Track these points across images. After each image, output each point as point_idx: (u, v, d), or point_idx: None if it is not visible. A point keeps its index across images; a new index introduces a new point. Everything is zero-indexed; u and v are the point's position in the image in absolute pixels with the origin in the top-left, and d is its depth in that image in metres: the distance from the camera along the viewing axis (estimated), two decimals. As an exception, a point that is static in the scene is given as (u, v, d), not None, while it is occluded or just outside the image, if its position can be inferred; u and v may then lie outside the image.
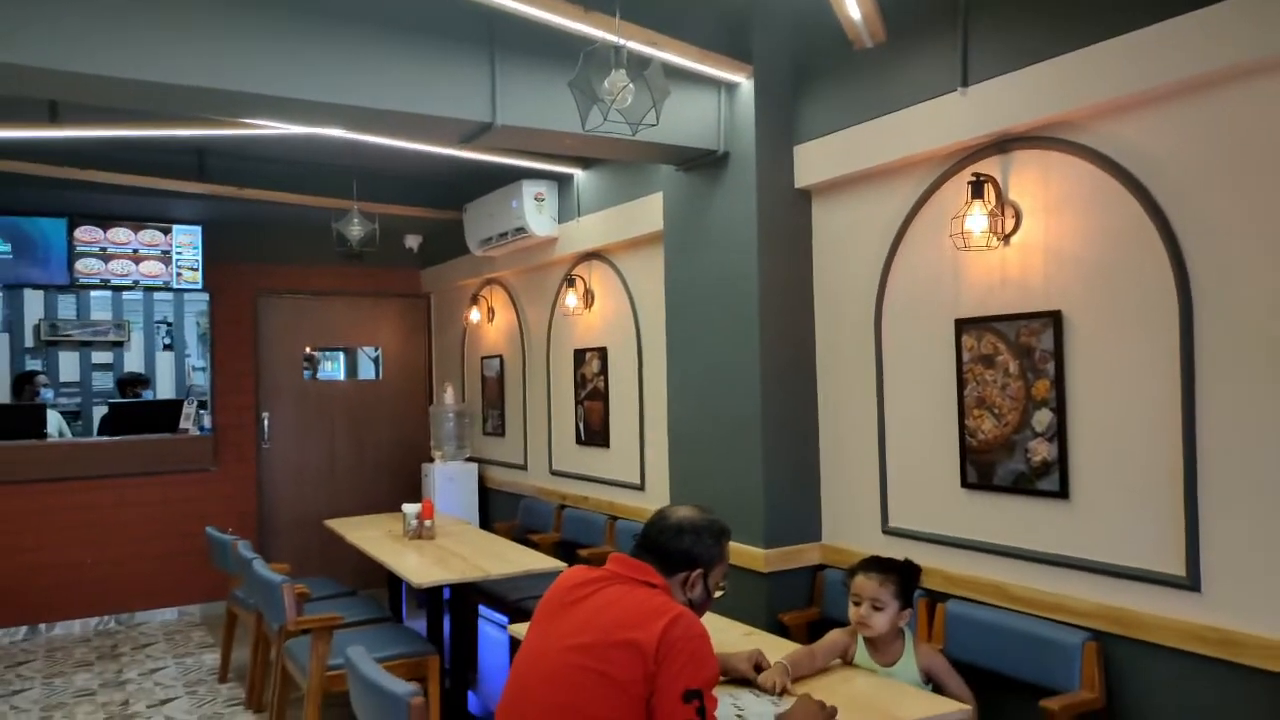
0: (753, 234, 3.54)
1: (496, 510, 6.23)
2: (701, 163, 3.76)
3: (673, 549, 2.08)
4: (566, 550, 4.88)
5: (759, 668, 2.38)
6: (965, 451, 3.04)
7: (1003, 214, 2.88)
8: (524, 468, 5.92)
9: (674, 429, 4.04)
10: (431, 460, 6.41)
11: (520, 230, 5.28)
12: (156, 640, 5.66)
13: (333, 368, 7.30)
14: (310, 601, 4.17)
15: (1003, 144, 2.90)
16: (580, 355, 5.25)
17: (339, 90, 3.02)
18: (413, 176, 5.92)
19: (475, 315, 6.39)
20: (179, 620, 6.14)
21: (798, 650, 2.56)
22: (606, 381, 5.03)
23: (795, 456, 3.60)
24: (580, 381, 5.26)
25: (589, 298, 5.14)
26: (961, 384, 3.04)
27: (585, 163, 5.00)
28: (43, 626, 5.81)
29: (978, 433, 2.99)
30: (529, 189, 5.22)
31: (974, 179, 2.88)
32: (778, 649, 2.57)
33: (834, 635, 2.64)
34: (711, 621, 2.01)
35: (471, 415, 6.60)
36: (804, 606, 3.52)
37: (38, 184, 4.98)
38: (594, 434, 5.15)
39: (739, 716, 2.12)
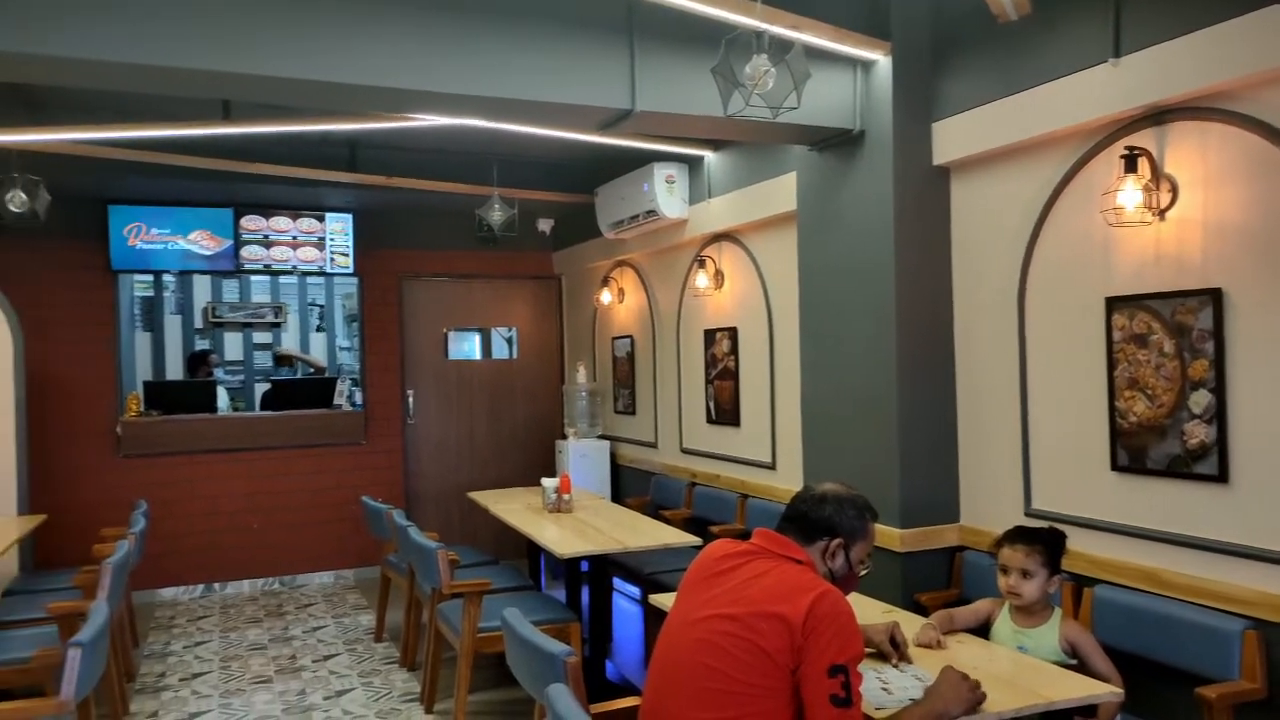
0: (889, 212, 3.52)
1: (628, 486, 6.39)
2: (836, 142, 3.75)
3: (814, 516, 2.14)
4: (698, 527, 4.98)
5: (894, 640, 2.42)
6: (1115, 433, 2.96)
7: (1158, 188, 2.78)
8: (654, 445, 6.05)
9: (807, 408, 4.06)
10: (565, 437, 6.63)
11: (651, 213, 5.38)
12: (316, 601, 6.10)
13: (469, 348, 7.61)
14: (459, 568, 4.41)
15: (1158, 116, 2.79)
16: (710, 335, 5.32)
17: (485, 83, 3.15)
18: (547, 162, 6.09)
19: (606, 296, 6.54)
20: (335, 583, 6.59)
21: (937, 613, 2.67)
22: (737, 361, 5.09)
23: (932, 436, 3.58)
24: (710, 361, 5.34)
25: (719, 278, 5.20)
26: (1112, 364, 2.96)
27: (716, 144, 5.04)
28: (217, 585, 6.36)
29: (1129, 414, 2.91)
30: (660, 172, 5.30)
31: (1127, 152, 2.79)
32: (915, 627, 2.60)
33: (981, 602, 2.78)
34: (850, 599, 2.05)
35: (603, 394, 6.78)
36: (942, 587, 3.51)
37: (208, 176, 5.39)
38: (724, 413, 5.22)
39: (884, 690, 2.17)
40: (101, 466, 6.08)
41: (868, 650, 2.32)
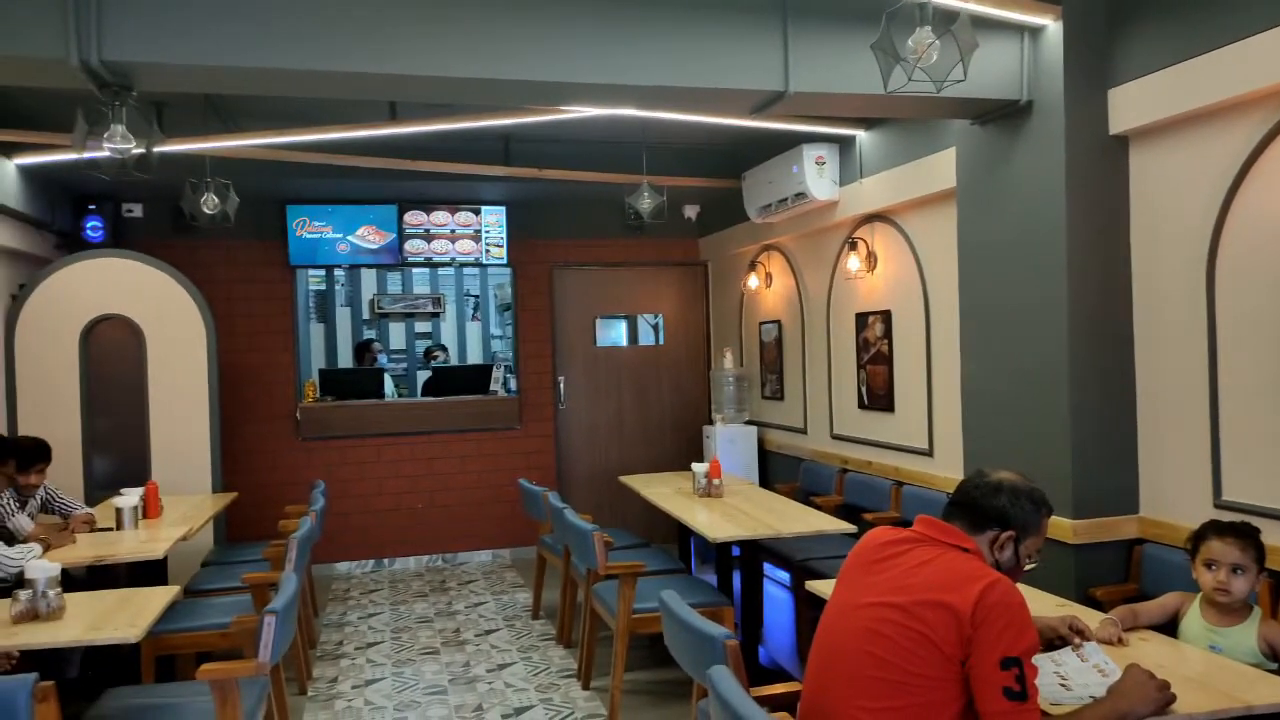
0: (1060, 185, 3.34)
1: (776, 472, 6.34)
2: (1001, 114, 3.59)
3: (986, 505, 2.05)
4: (849, 514, 4.89)
5: (1074, 629, 2.31)
6: (1322, 419, 2.71)
7: (1375, 149, 2.52)
8: (804, 431, 5.98)
9: (967, 392, 3.92)
10: (712, 422, 6.64)
11: (800, 195, 5.30)
12: (476, 578, 6.37)
13: (617, 335, 7.73)
14: (612, 550, 4.50)
15: (1376, 68, 2.53)
16: (862, 319, 5.20)
17: (637, 72, 3.19)
18: (693, 148, 6.10)
19: (753, 281, 6.50)
20: (493, 562, 6.86)
21: (1119, 608, 2.55)
22: (891, 345, 4.95)
23: (1108, 421, 3.38)
24: (862, 345, 5.22)
25: (872, 260, 5.08)
26: (1318, 344, 2.71)
27: (868, 123, 4.92)
28: (386, 561, 6.74)
29: (1338, 399, 2.66)
30: (809, 153, 5.21)
31: (1338, 111, 2.54)
32: (1093, 623, 2.47)
33: (1168, 596, 2.61)
34: (1022, 591, 1.96)
35: (750, 379, 6.75)
36: (1119, 582, 3.31)
37: (375, 175, 5.70)
38: (877, 398, 5.09)
39: (1062, 685, 2.07)
40: (283, 448, 6.55)
41: (1054, 641, 2.25)
